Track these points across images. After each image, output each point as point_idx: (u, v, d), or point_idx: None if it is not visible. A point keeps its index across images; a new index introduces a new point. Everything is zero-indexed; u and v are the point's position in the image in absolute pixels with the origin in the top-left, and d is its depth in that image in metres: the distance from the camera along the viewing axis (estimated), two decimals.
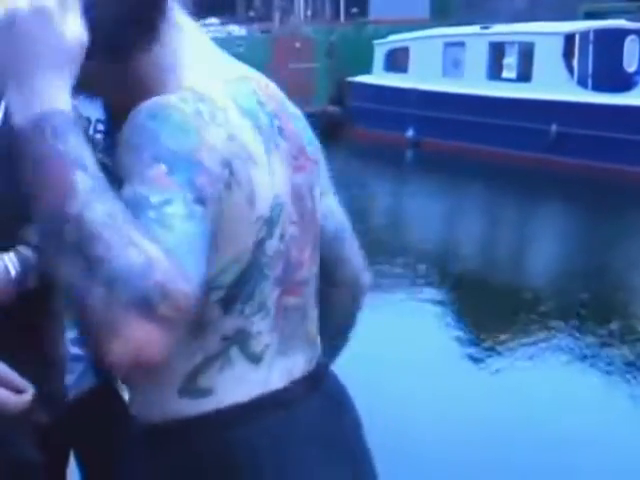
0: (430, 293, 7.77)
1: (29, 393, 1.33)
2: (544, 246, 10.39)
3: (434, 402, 5.05)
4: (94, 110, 1.62)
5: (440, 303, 7.59)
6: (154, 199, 1.12)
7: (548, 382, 5.68)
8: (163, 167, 1.14)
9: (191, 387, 1.26)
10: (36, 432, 1.50)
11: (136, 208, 1.10)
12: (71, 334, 1.63)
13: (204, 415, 1.26)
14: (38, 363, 1.47)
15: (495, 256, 10.22)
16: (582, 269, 8.96)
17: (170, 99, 1.22)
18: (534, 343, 6.45)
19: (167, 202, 1.12)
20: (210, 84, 1.28)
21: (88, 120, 1.68)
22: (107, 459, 1.47)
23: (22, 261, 1.43)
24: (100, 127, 1.68)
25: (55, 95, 1.12)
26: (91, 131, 1.68)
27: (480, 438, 4.68)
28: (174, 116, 1.19)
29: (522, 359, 6.18)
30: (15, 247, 1.44)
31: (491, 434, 4.78)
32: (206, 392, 1.27)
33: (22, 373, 1.38)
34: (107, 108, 1.44)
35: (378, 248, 9.01)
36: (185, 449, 1.25)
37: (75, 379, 1.68)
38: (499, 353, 6.34)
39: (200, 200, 1.15)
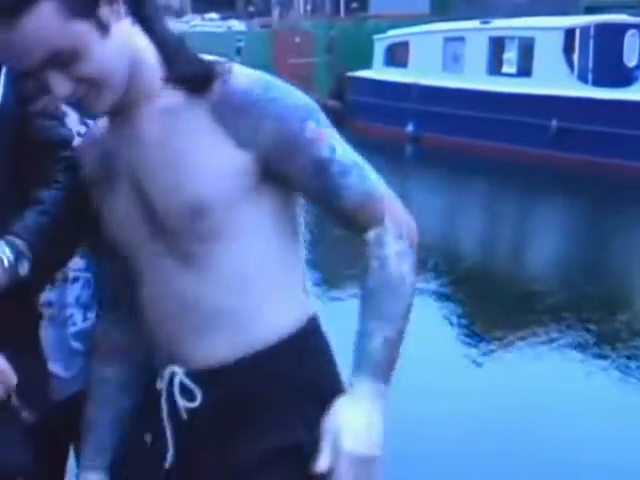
0: (430, 288, 7.74)
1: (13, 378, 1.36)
2: (545, 241, 10.38)
3: (436, 395, 5.02)
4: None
5: (440, 298, 7.58)
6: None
7: (550, 376, 5.67)
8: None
9: (304, 288, 1.45)
10: (30, 435, 1.45)
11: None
12: (72, 328, 1.63)
13: (314, 312, 1.47)
14: (19, 355, 1.44)
15: (496, 251, 10.20)
16: (583, 264, 8.95)
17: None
18: (536, 337, 6.44)
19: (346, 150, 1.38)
20: None
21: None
22: None
23: (13, 250, 1.41)
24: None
25: None
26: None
27: (483, 431, 4.66)
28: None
29: (524, 353, 6.16)
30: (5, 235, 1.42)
31: (494, 427, 4.76)
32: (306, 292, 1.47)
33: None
34: None
35: None
36: (319, 343, 1.44)
37: (75, 374, 1.66)
38: (500, 347, 6.32)
39: None
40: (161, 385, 1.44)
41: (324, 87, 17.93)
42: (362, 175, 1.36)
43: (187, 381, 1.40)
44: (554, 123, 13.42)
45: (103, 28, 1.21)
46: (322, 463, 1.27)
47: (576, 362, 6.07)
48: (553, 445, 4.55)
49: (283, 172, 1.34)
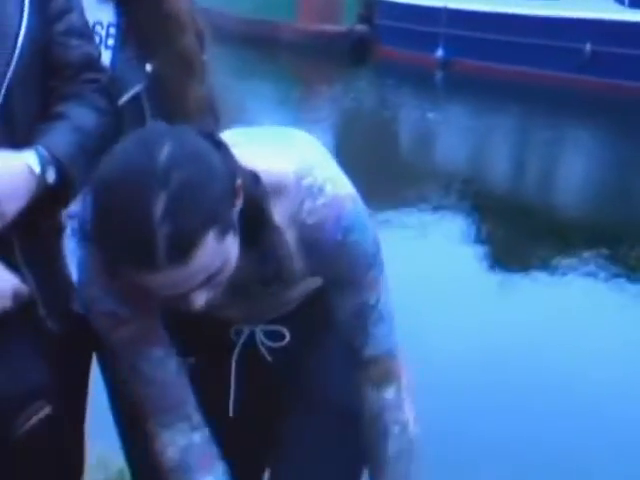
0: (457, 216, 7.68)
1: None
2: (574, 167, 10.28)
3: (459, 327, 4.95)
4: (107, 14, 1.62)
5: (467, 226, 7.51)
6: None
7: (574, 305, 5.61)
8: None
9: None
10: (54, 346, 1.48)
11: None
12: None
13: None
14: (44, 265, 1.49)
15: (524, 177, 10.11)
16: (613, 190, 8.82)
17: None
18: (561, 267, 6.40)
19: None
20: None
21: (100, 24, 1.63)
22: None
23: (42, 159, 1.43)
24: (112, 31, 1.63)
25: None
26: (103, 35, 1.63)
27: (502, 361, 4.61)
28: None
29: (549, 282, 6.12)
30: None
31: (514, 358, 4.69)
32: None
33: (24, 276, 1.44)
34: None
35: (406, 171, 8.93)
36: None
37: None
38: (526, 277, 6.27)
39: None
40: (235, 337, 1.49)
41: (352, 11, 17.66)
42: (390, 329, 1.41)
43: (271, 327, 1.47)
44: (588, 47, 13.21)
45: (235, 229, 1.21)
46: None
47: (601, 291, 6.01)
48: (576, 372, 4.53)
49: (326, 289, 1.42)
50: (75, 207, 1.54)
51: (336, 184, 1.31)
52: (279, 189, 1.27)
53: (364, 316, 1.37)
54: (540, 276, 6.27)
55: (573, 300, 5.73)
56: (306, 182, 1.28)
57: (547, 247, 7.02)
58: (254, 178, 1.23)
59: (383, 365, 1.40)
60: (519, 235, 7.43)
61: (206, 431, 1.39)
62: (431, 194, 8.10)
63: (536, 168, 10.79)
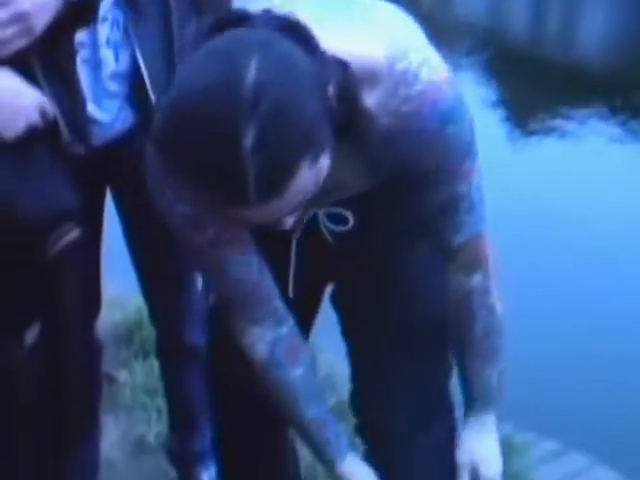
0: (477, 69, 7.60)
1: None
2: (594, 17, 10.02)
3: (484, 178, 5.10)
4: None
5: (487, 79, 7.44)
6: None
7: (592, 159, 5.52)
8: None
9: None
10: (74, 171, 1.49)
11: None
12: (106, 70, 1.56)
13: None
14: (58, 85, 1.48)
15: (544, 28, 9.91)
16: (633, 42, 8.59)
17: None
18: (580, 119, 6.27)
19: None
20: None
21: None
22: (142, 200, 1.31)
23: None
24: None
25: None
26: None
27: (526, 216, 4.56)
28: None
29: (568, 135, 6.02)
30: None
31: (536, 211, 4.64)
32: None
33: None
34: None
35: (426, 23, 9.09)
36: None
37: (112, 118, 1.60)
38: (545, 130, 6.18)
39: None
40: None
41: None
42: (481, 216, 1.32)
43: (334, 210, 1.36)
44: None
45: (330, 145, 1.04)
46: None
47: (618, 144, 5.89)
48: (598, 222, 4.48)
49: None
50: (84, 36, 1.50)
51: (432, 68, 1.17)
52: (370, 77, 1.13)
53: (455, 206, 1.27)
54: (558, 128, 6.15)
55: (592, 155, 5.64)
56: (400, 67, 1.14)
57: (566, 100, 6.84)
58: (343, 68, 1.07)
59: (471, 251, 1.33)
60: (538, 87, 7.20)
61: (291, 321, 1.34)
62: (451, 45, 7.79)
63: (556, 17, 10.34)
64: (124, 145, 1.60)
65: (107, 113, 1.59)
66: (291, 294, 1.39)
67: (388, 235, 1.41)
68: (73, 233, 1.43)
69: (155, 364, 2.40)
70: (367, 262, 1.42)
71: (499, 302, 1.38)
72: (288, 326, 1.33)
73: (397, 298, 1.44)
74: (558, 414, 2.88)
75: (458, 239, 1.32)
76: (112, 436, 2.25)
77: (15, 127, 1.41)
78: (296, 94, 0.97)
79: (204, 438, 2.06)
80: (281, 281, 1.34)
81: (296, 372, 1.32)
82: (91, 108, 1.55)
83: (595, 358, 3.37)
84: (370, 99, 1.14)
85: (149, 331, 2.49)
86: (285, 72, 0.97)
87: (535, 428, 2.54)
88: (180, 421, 2.07)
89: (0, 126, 1.40)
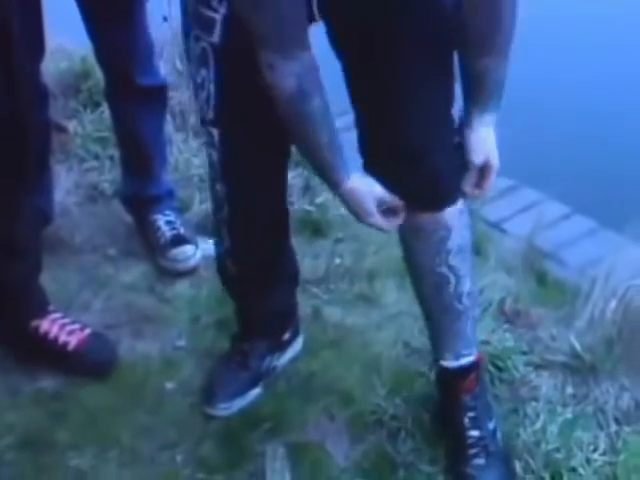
0: None
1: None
2: None
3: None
4: None
5: None
6: None
7: None
8: None
9: None
10: None
11: None
12: None
13: None
14: None
15: None
16: None
17: None
18: None
19: None
20: None
21: None
22: None
23: None
24: None
25: None
26: None
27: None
28: None
29: None
30: None
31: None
32: None
33: None
34: None
35: None
36: None
37: None
38: None
39: None
40: None
41: None
42: None
43: None
44: None
45: None
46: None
47: None
48: None
49: None
50: None
51: None
52: None
53: None
54: None
55: None
56: None
57: None
58: None
59: None
60: None
61: (311, 49, 1.33)
62: None
63: None
64: None
65: None
66: (317, 18, 1.37)
67: None
68: None
69: (105, 114, 2.42)
70: None
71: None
72: (310, 53, 1.32)
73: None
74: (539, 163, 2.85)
75: None
76: (65, 185, 2.29)
77: None
78: None
79: (160, 183, 2.11)
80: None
81: (317, 100, 1.34)
82: None
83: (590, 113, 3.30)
84: None
85: (96, 81, 2.50)
86: None
87: (514, 176, 2.45)
88: (134, 166, 2.09)
89: None
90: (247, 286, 1.70)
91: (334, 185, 1.41)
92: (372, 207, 1.42)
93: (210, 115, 1.45)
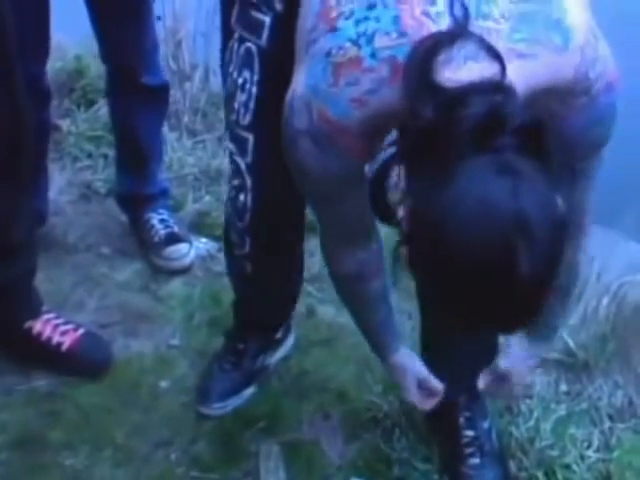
0: None
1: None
2: None
3: None
4: None
5: None
6: None
7: None
8: None
9: None
10: None
11: None
12: None
13: None
14: None
15: None
16: None
17: None
18: None
19: None
20: None
21: None
22: None
23: None
24: None
25: None
26: None
27: None
28: None
29: None
30: None
31: None
32: None
33: None
34: None
35: None
36: None
37: None
38: None
39: None
40: None
41: None
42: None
43: None
44: None
45: None
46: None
47: None
48: None
49: None
50: None
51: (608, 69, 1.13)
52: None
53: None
54: None
55: None
56: (582, 85, 1.10)
57: None
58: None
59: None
60: None
61: (381, 240, 1.33)
62: None
63: None
64: None
65: None
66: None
67: None
68: None
69: (99, 113, 2.42)
70: None
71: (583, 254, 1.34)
72: (378, 242, 1.33)
73: None
74: None
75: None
76: (59, 183, 2.28)
77: None
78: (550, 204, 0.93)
79: (155, 182, 2.10)
80: None
81: (375, 283, 1.35)
82: None
83: None
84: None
85: (90, 80, 2.50)
86: (547, 200, 0.93)
87: None
88: (131, 165, 2.08)
89: None
90: (263, 285, 1.67)
91: (380, 356, 1.46)
92: (411, 385, 1.45)
93: (247, 119, 1.41)
